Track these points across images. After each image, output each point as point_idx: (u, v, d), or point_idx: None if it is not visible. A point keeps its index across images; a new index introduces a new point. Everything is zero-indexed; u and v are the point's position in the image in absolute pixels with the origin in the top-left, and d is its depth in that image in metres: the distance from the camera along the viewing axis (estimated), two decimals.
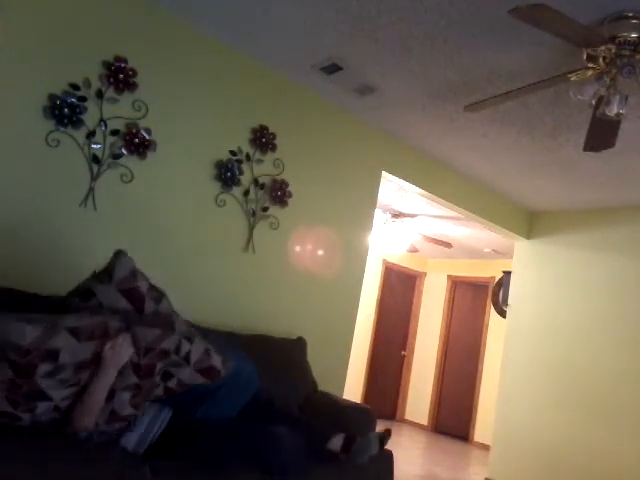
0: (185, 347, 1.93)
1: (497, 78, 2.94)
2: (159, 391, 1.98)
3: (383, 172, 3.98)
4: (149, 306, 1.95)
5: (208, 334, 2.36)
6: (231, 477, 1.97)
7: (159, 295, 2.01)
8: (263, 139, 3.23)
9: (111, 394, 1.81)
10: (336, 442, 2.22)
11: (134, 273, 1.96)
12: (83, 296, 1.91)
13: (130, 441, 1.92)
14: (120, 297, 1.90)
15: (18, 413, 1.68)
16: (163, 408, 2.06)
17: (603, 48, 2.28)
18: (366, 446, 2.26)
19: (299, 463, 2.11)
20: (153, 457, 1.88)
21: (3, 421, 1.69)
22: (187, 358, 1.94)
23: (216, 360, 2.02)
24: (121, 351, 1.78)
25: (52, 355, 1.65)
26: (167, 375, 1.95)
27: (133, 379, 1.84)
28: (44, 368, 1.65)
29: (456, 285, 8.08)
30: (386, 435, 2.39)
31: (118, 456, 1.80)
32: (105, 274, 1.93)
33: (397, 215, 6.08)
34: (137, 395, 1.89)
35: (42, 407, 1.71)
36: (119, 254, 1.98)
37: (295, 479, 2.10)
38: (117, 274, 1.91)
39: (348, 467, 2.31)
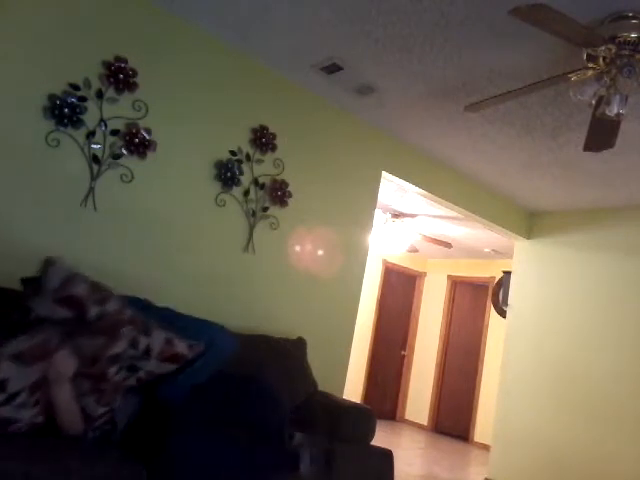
0: (143, 342, 1.89)
1: (497, 78, 2.94)
2: (131, 382, 1.93)
3: (383, 172, 3.97)
4: (93, 310, 1.87)
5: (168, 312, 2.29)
6: None
7: (104, 296, 1.93)
8: (263, 139, 3.22)
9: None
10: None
11: (68, 279, 1.87)
12: (22, 312, 1.84)
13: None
14: (58, 307, 1.83)
15: None
16: (129, 396, 2.01)
17: (603, 48, 2.28)
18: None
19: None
20: (123, 446, 1.87)
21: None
22: (148, 352, 1.90)
23: (180, 347, 1.98)
24: (61, 367, 1.76)
25: (0, 386, 1.62)
26: (133, 368, 1.91)
27: (88, 385, 1.81)
28: None
29: (456, 285, 8.08)
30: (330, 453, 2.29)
31: (115, 454, 1.80)
32: (37, 285, 1.85)
33: (397, 215, 6.08)
34: (102, 395, 1.85)
35: (16, 427, 1.69)
36: (48, 262, 1.88)
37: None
38: (49, 284, 1.83)
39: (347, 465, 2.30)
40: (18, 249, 2.40)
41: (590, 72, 2.42)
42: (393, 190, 5.03)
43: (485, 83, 3.01)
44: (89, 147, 2.58)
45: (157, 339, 1.93)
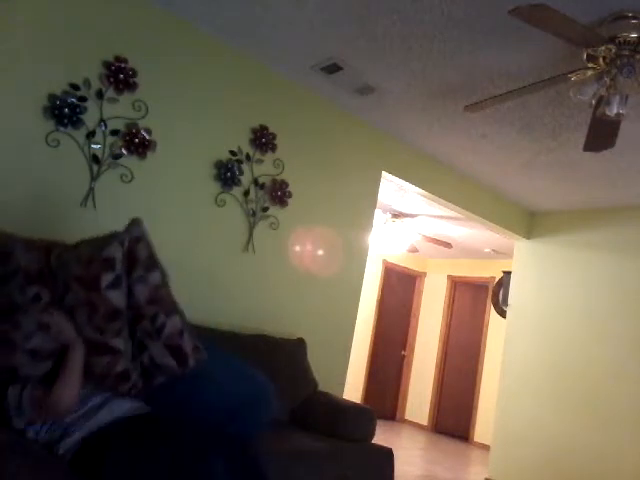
0: (161, 319, 1.92)
1: (497, 78, 2.94)
2: (135, 377, 1.88)
3: (383, 172, 3.97)
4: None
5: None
6: None
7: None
8: (263, 139, 3.23)
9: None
10: None
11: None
12: None
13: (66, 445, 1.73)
14: None
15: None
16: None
17: (603, 48, 2.28)
18: None
19: None
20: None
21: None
22: (160, 330, 1.91)
23: (186, 343, 1.95)
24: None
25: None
26: (141, 347, 1.91)
27: (81, 294, 1.84)
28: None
29: (456, 285, 8.07)
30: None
31: (64, 467, 1.64)
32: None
33: (397, 215, 6.08)
34: (94, 315, 1.83)
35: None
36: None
37: None
38: None
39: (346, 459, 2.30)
40: None
41: (590, 72, 2.42)
42: (393, 190, 5.03)
43: (485, 83, 3.01)
44: (89, 147, 2.58)
45: (174, 324, 1.94)
